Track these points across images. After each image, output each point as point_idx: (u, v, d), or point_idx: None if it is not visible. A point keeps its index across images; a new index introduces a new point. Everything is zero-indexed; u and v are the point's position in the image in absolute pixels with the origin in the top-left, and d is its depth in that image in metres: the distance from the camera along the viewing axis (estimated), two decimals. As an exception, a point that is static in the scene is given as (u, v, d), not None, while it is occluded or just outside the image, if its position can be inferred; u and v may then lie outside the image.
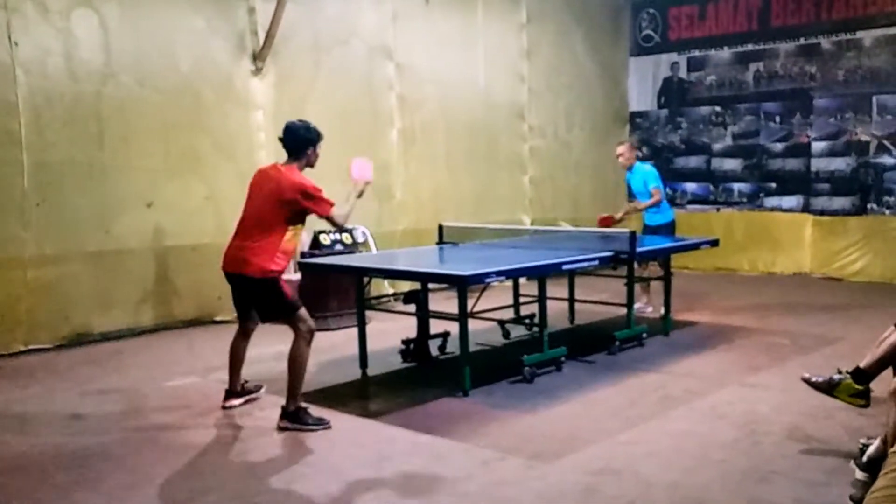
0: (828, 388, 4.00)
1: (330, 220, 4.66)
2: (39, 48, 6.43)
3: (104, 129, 6.83)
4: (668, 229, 7.85)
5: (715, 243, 7.45)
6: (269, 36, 7.60)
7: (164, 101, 7.16)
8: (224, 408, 4.91)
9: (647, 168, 7.96)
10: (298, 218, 4.62)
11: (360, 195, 4.87)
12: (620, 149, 7.98)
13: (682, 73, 11.80)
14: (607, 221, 7.83)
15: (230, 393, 4.97)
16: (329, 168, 4.87)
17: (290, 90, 8.01)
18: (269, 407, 4.78)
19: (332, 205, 4.59)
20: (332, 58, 8.38)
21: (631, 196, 8.18)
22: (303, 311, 4.61)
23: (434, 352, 6.14)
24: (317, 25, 8.23)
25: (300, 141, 4.62)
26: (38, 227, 6.49)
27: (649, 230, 7.84)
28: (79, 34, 6.63)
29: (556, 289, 6.79)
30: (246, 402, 4.98)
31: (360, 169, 4.92)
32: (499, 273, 5.20)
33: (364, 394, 5.49)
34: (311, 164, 4.71)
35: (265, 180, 4.67)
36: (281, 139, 4.68)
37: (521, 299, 7.00)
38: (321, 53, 8.29)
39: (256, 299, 4.71)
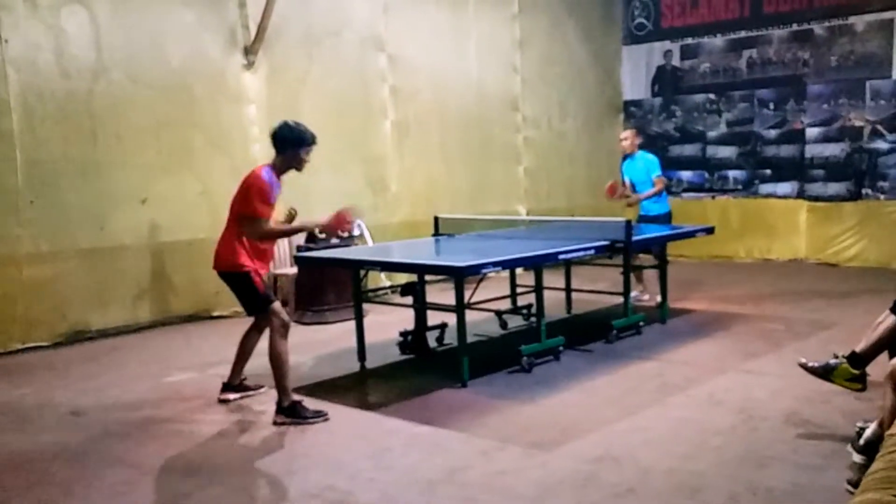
0: (824, 372, 4.01)
1: (251, 224, 4.53)
2: (29, 45, 6.40)
3: (97, 126, 6.80)
4: (666, 220, 7.77)
5: (710, 231, 7.44)
6: (261, 29, 7.57)
7: (156, 96, 7.14)
8: (220, 401, 4.94)
9: (651, 157, 7.87)
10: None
11: (321, 233, 4.77)
12: (626, 133, 7.94)
13: (676, 61, 11.78)
14: (611, 190, 7.76)
15: (227, 386, 4.99)
16: (321, 161, 4.84)
17: (282, 84, 7.99)
18: (269, 401, 4.78)
19: (263, 215, 4.50)
20: (324, 50, 8.35)
21: (624, 184, 8.10)
22: (276, 305, 4.64)
23: (432, 343, 6.15)
24: (308, 18, 8.19)
25: (278, 139, 4.62)
26: (33, 224, 6.48)
27: (646, 220, 7.73)
28: (69, 30, 6.60)
29: (553, 279, 6.80)
30: (242, 398, 5.00)
31: (339, 222, 4.74)
32: (495, 264, 5.20)
33: (363, 386, 5.50)
34: (296, 167, 4.67)
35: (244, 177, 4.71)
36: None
37: (518, 289, 7.01)
38: (313, 46, 8.26)
39: (234, 293, 4.76)
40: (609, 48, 12.08)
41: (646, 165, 7.75)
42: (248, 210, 4.53)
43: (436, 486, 3.59)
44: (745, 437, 4.09)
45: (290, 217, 4.72)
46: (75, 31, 6.64)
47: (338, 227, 4.77)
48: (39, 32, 6.45)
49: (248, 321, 5.00)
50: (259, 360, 5.25)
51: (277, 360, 4.54)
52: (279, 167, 4.64)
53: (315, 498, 3.52)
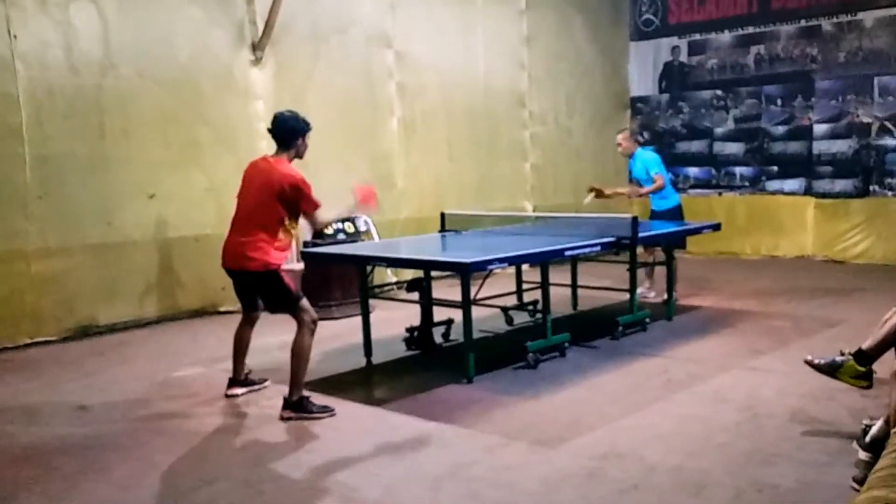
0: (830, 370, 4.00)
1: (312, 218, 4.64)
2: (38, 41, 6.42)
3: (105, 122, 6.83)
4: (674, 214, 7.77)
5: (717, 227, 7.42)
6: (268, 25, 7.58)
7: (164, 92, 7.16)
8: (227, 396, 4.96)
9: (649, 155, 7.89)
10: (293, 211, 4.62)
11: (349, 218, 4.79)
12: (619, 138, 7.90)
13: (683, 58, 11.76)
14: (599, 193, 7.72)
15: (233, 381, 5.01)
16: (328, 158, 4.86)
17: (289, 80, 8.00)
18: (275, 396, 4.79)
19: (318, 205, 4.57)
20: (331, 47, 8.36)
21: (632, 182, 8.13)
22: (305, 302, 4.63)
23: (438, 339, 6.16)
24: (315, 14, 8.20)
25: (288, 131, 4.62)
26: (41, 219, 6.51)
27: (656, 216, 7.80)
28: (78, 26, 6.62)
29: (559, 275, 6.80)
30: (248, 392, 5.02)
31: (366, 197, 4.86)
32: (501, 260, 5.20)
33: (369, 381, 5.52)
34: (300, 156, 4.71)
35: (257, 173, 4.67)
36: (270, 130, 4.68)
37: (524, 286, 7.01)
38: (320, 42, 8.27)
39: (261, 292, 4.75)
40: (616, 44, 12.06)
41: (644, 164, 7.76)
42: (312, 206, 4.55)
43: (441, 482, 3.60)
44: (750, 434, 4.09)
45: None
46: (84, 26, 6.66)
47: (366, 202, 4.84)
48: (48, 28, 6.47)
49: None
50: (265, 356, 5.29)
51: (301, 355, 4.54)
52: (292, 159, 4.66)
53: (321, 493, 3.53)
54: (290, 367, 4.56)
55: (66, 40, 6.57)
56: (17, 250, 6.40)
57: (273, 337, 5.74)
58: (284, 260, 4.75)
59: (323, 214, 4.66)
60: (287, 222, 4.62)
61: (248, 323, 4.99)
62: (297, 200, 4.53)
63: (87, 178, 6.76)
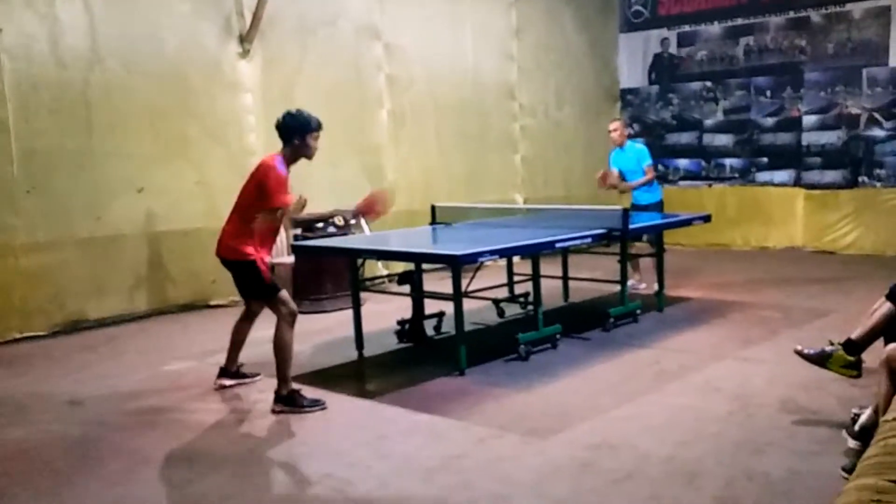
0: (820, 359, 4.03)
1: (278, 212, 4.60)
2: (24, 34, 6.37)
3: (92, 116, 6.78)
4: (659, 207, 7.83)
5: (707, 219, 7.44)
6: (256, 18, 7.53)
7: (151, 85, 7.11)
8: (216, 386, 4.97)
9: (640, 146, 7.94)
10: (267, 201, 4.59)
11: (353, 218, 4.83)
12: (615, 124, 7.92)
13: (673, 49, 11.76)
14: (604, 180, 7.78)
15: (223, 372, 5.03)
16: (317, 151, 4.82)
17: (278, 72, 7.96)
18: (267, 390, 4.79)
19: (287, 203, 4.56)
20: (319, 39, 8.32)
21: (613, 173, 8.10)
22: (283, 294, 4.65)
23: (429, 332, 6.16)
24: (303, 6, 8.16)
25: (283, 129, 4.64)
26: (29, 214, 6.47)
27: (638, 209, 7.72)
28: (64, 19, 6.57)
29: (550, 267, 6.80)
30: (238, 385, 5.02)
31: (371, 204, 4.96)
32: (492, 252, 5.20)
33: (360, 375, 5.52)
34: (306, 155, 4.69)
35: (256, 167, 4.73)
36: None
37: (515, 278, 7.02)
38: (308, 35, 8.23)
39: (238, 281, 4.78)
40: (606, 36, 12.05)
41: (636, 155, 7.77)
42: (273, 203, 4.52)
43: (434, 474, 3.61)
44: (741, 423, 4.11)
45: (301, 205, 4.75)
46: (70, 20, 6.60)
47: (370, 211, 4.92)
48: (34, 22, 6.42)
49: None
50: (257, 349, 5.27)
51: (282, 349, 4.55)
52: (288, 157, 4.66)
53: (314, 485, 3.54)
54: (274, 361, 4.57)
55: (52, 34, 6.51)
56: (5, 245, 6.36)
57: (266, 331, 5.71)
58: (267, 251, 4.75)
59: (292, 213, 4.68)
60: (266, 212, 4.60)
61: (247, 315, 5.00)
62: (268, 191, 4.51)
63: (75, 172, 6.72)
